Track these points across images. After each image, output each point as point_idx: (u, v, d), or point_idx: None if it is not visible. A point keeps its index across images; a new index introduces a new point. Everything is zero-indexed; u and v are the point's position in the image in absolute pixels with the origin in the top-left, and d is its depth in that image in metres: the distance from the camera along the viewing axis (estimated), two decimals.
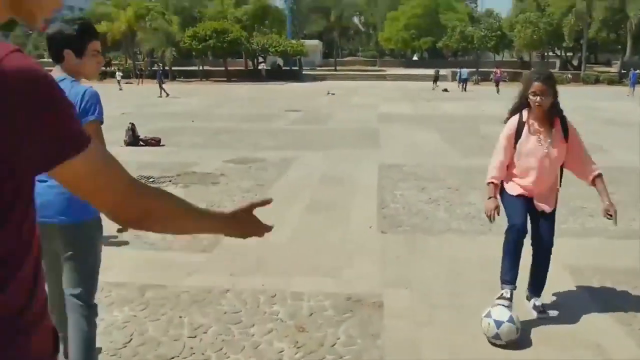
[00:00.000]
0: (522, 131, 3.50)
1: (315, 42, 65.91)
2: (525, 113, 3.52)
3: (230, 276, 4.30)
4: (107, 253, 4.75)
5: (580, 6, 43.34)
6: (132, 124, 11.06)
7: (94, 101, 2.49)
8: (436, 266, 4.56)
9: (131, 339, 3.35)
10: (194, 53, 47.27)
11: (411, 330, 3.47)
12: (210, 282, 4.18)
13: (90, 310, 2.63)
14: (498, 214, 3.43)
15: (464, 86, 32.91)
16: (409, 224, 5.74)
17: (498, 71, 34.06)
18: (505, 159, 3.55)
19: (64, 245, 2.56)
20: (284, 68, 49.02)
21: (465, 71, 34.21)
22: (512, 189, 3.57)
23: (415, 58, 72.70)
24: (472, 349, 3.25)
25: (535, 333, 3.43)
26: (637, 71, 33.37)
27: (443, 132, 13.16)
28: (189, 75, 47.39)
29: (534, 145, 3.47)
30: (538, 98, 3.35)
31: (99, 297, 3.82)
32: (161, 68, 35.31)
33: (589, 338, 3.37)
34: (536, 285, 3.69)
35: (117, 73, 36.81)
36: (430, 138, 12.26)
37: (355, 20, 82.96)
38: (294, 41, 50.19)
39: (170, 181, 7.72)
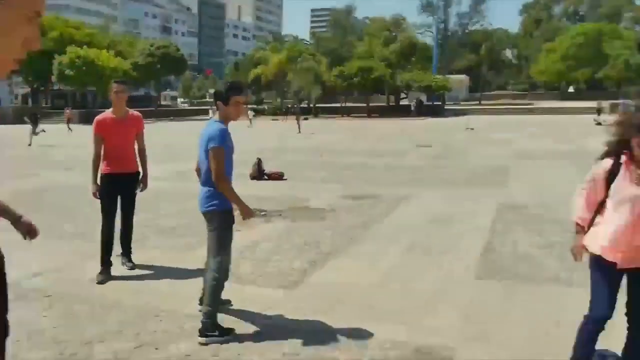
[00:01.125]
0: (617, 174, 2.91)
1: (462, 77, 64.65)
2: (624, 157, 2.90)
3: (303, 315, 4.21)
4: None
5: None
6: (259, 159, 11.62)
7: (217, 134, 3.79)
8: (527, 321, 4.04)
9: None
10: (337, 90, 48.95)
11: None
12: (282, 321, 4.12)
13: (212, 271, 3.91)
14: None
15: None
16: (511, 271, 5.20)
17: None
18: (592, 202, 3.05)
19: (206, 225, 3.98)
20: (426, 103, 48.63)
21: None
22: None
23: (570, 90, 67.86)
24: None
25: None
26: None
27: (583, 169, 11.88)
28: (331, 112, 49.11)
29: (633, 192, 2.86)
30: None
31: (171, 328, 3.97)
32: (298, 105, 36.80)
33: None
34: None
35: (249, 111, 35.70)
36: (566, 176, 11.16)
37: (508, 53, 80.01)
38: (438, 76, 49.74)
39: (280, 215, 7.91)
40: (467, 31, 70.58)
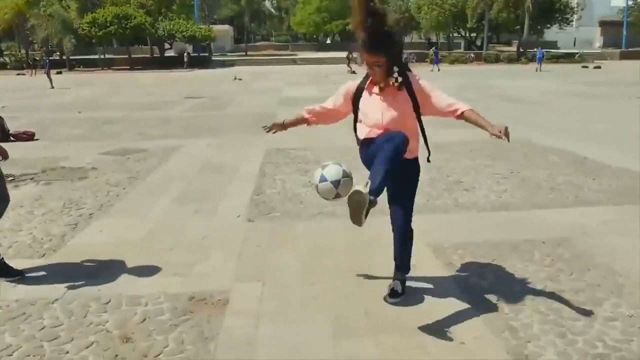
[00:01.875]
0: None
1: (226, 27, 64.47)
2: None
3: (65, 283, 3.81)
4: None
5: None
6: (0, 118, 10.05)
7: None
8: (298, 254, 4.29)
9: None
10: (94, 41, 44.62)
11: (251, 329, 3.16)
12: (37, 293, 3.68)
13: None
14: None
15: None
16: (280, 210, 5.45)
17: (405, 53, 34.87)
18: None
19: None
20: (192, 55, 47.42)
21: None
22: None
23: (328, 41, 72.94)
24: (315, 347, 2.99)
25: (382, 319, 3.23)
26: (544, 50, 35.75)
27: None
28: (89, 64, 44.83)
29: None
30: (371, 70, 3.16)
31: None
32: (47, 58, 32.53)
33: (438, 321, 3.21)
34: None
35: None
36: None
37: (267, 4, 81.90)
38: (202, 26, 48.64)
39: (32, 179, 7.00)
40: None
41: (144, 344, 3.02)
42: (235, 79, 27.60)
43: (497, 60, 43.45)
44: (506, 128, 2.98)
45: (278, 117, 13.42)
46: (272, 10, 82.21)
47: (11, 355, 2.94)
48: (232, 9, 69.56)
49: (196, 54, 47.72)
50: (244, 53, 57.33)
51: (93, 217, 5.37)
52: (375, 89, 3.24)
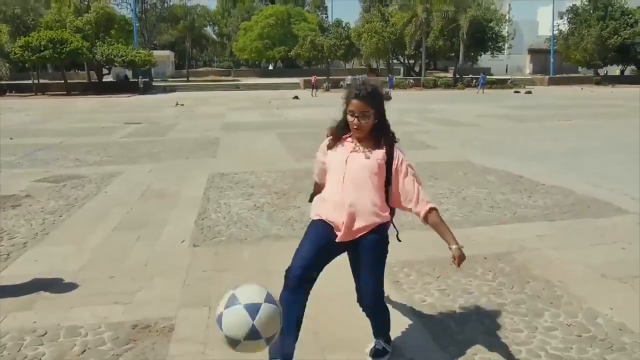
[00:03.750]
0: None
1: (167, 52, 63.79)
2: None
3: None
4: None
5: (420, 17, 46.59)
6: None
7: None
8: (246, 278, 4.22)
9: None
10: (27, 65, 43.01)
11: (199, 355, 3.08)
12: None
13: None
14: None
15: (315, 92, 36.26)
16: (226, 234, 5.37)
17: (313, 79, 39.52)
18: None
19: None
20: (132, 80, 46.53)
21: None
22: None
23: (270, 67, 73.42)
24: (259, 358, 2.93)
25: (333, 340, 3.22)
26: (485, 75, 38.76)
27: (284, 138, 13.05)
28: (23, 90, 43.08)
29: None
30: (356, 120, 2.67)
31: None
32: None
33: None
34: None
35: None
36: (269, 145, 12.06)
37: (209, 30, 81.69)
38: (142, 51, 47.86)
39: None
40: (166, 5, 69.60)
41: None
42: (177, 104, 27.23)
43: (435, 85, 44.93)
44: (460, 256, 2.66)
45: (221, 141, 13.35)
46: (214, 36, 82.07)
47: None
48: (172, 34, 68.97)
49: (135, 79, 46.82)
50: (185, 79, 56.76)
51: (27, 246, 5.11)
52: (349, 146, 2.76)
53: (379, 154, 2.71)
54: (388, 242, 2.78)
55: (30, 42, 40.60)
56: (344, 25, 60.12)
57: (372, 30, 50.73)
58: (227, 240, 5.19)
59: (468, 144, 11.95)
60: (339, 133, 2.82)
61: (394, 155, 2.74)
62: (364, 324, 2.99)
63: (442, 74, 56.55)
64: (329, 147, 2.84)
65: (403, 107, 23.84)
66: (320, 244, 2.72)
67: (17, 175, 8.72)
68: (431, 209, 2.72)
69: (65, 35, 42.08)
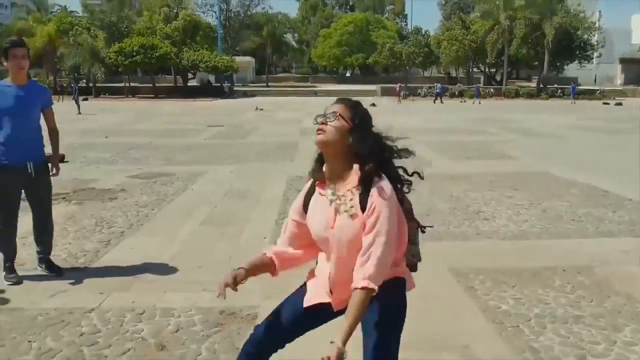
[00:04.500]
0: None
1: (248, 58, 65.73)
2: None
3: (100, 295, 3.99)
4: None
5: (502, 24, 45.45)
6: None
7: None
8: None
9: None
10: (120, 69, 45.84)
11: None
12: (74, 302, 3.86)
13: None
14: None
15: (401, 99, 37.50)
16: None
17: (397, 86, 40.16)
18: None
19: None
20: (214, 85, 48.42)
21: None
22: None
23: (347, 74, 73.92)
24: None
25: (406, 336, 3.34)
26: (576, 85, 38.53)
27: None
28: (115, 92, 45.94)
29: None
30: (322, 118, 2.05)
31: None
32: (75, 85, 33.31)
33: (460, 339, 3.31)
34: None
35: None
36: None
37: (289, 37, 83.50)
38: (225, 57, 49.74)
39: (64, 198, 7.24)
40: (249, 13, 71.92)
41: (178, 351, 3.17)
42: (257, 109, 28.09)
43: (516, 95, 43.61)
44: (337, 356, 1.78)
45: (299, 146, 13.64)
46: (294, 43, 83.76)
47: (53, 357, 3.10)
48: (254, 41, 71.03)
49: (218, 84, 48.68)
50: (265, 84, 58.31)
51: (124, 235, 5.58)
52: (327, 191, 2.05)
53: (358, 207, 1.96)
54: (404, 303, 2.19)
55: (124, 47, 43.31)
56: (423, 32, 59.64)
57: (452, 37, 49.96)
58: None
59: (550, 155, 11.61)
60: (316, 174, 2.11)
61: (369, 196, 1.92)
62: (434, 327, 3.08)
63: (524, 83, 54.74)
64: (305, 204, 2.16)
65: (483, 117, 23.39)
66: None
67: (113, 171, 9.42)
68: (364, 289, 1.88)
69: (155, 41, 44.53)
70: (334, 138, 1.98)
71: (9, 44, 4.11)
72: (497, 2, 47.37)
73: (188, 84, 48.68)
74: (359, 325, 1.96)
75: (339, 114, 2.00)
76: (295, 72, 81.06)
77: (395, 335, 2.11)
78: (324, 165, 2.07)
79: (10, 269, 4.28)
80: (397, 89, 39.34)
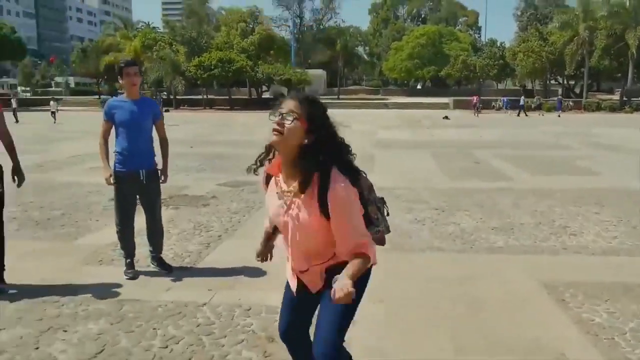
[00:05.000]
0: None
1: (320, 71, 66.81)
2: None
3: (208, 291, 4.37)
4: (85, 270, 4.89)
5: (582, 35, 43.88)
6: None
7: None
8: (414, 283, 4.63)
9: (103, 349, 3.42)
10: (198, 82, 47.96)
11: (379, 340, 3.53)
12: (187, 297, 4.26)
13: None
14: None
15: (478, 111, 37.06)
16: (391, 243, 5.79)
17: (475, 98, 39.42)
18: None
19: None
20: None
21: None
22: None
23: (418, 87, 73.49)
24: (438, 356, 3.30)
25: (498, 337, 3.48)
26: None
27: (438, 157, 13.28)
28: (194, 104, 48.09)
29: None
30: (279, 117, 2.06)
31: (77, 311, 3.94)
32: (160, 97, 35.12)
33: (554, 346, 3.41)
34: None
35: (51, 102, 31.80)
36: (424, 163, 12.38)
37: (360, 50, 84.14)
38: (298, 70, 50.92)
39: (162, 203, 7.81)
40: (321, 27, 73.20)
41: (283, 344, 3.46)
42: None
43: (597, 108, 41.86)
44: (347, 292, 1.92)
45: (376, 158, 13.80)
46: (365, 55, 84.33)
47: (177, 343, 3.48)
48: (325, 54, 72.16)
49: None
50: (336, 96, 59.05)
51: (222, 239, 6.01)
52: (279, 182, 2.23)
53: (312, 198, 2.08)
54: (365, 284, 2.39)
55: (203, 61, 45.33)
56: (498, 44, 58.48)
57: (528, 49, 48.74)
58: (392, 249, 5.62)
59: (635, 171, 11.18)
60: (264, 156, 2.27)
61: (328, 186, 2.03)
62: (527, 336, 3.18)
63: (605, 96, 52.33)
64: (266, 181, 2.35)
65: (563, 131, 22.73)
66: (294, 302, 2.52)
67: (203, 179, 10.01)
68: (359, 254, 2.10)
69: (232, 55, 46.31)
70: (291, 140, 2.04)
71: (123, 63, 4.59)
72: (577, 13, 45.81)
73: (262, 96, 50.13)
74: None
75: (296, 116, 2.02)
76: (365, 85, 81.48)
77: (352, 312, 2.32)
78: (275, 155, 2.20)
79: (130, 265, 4.78)
80: (474, 101, 38.70)
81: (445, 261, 5.20)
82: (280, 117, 2.04)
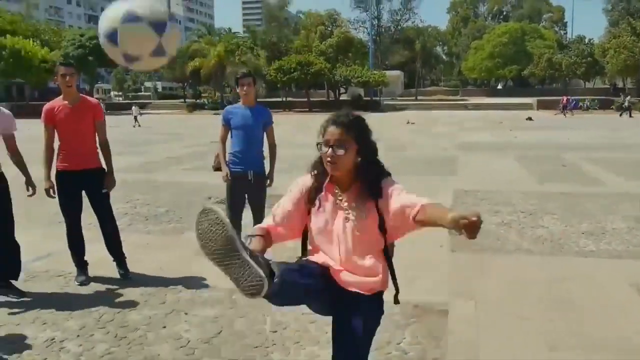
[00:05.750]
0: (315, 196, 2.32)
1: (397, 72, 66.58)
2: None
3: None
4: (196, 260, 5.40)
5: None
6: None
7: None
8: (503, 283, 4.78)
9: (221, 331, 3.86)
10: (278, 85, 49.27)
11: (473, 335, 3.74)
12: None
13: None
14: None
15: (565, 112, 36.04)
16: (479, 245, 5.95)
17: (564, 99, 38.07)
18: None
19: None
20: (365, 98, 49.88)
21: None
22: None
23: (499, 87, 71.45)
24: (532, 353, 3.47)
25: (591, 336, 3.59)
26: None
27: (522, 159, 13.09)
28: (272, 106, 49.20)
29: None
30: (330, 150, 2.17)
31: (193, 297, 4.42)
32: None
33: None
34: None
35: (133, 108, 33.99)
36: (508, 165, 12.26)
37: (438, 50, 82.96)
38: (375, 72, 51.09)
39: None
40: (399, 28, 72.82)
41: (386, 333, 3.75)
42: (408, 122, 28.58)
43: None
44: (473, 223, 1.89)
45: (459, 160, 13.82)
46: (443, 55, 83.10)
47: (285, 329, 3.86)
48: (403, 55, 71.76)
49: (368, 98, 50.04)
50: (414, 97, 58.66)
51: None
52: (332, 198, 2.28)
53: (371, 209, 2.22)
54: (380, 311, 2.44)
55: (283, 65, 46.53)
56: (586, 41, 55.80)
57: (620, 45, 46.20)
58: (481, 250, 5.77)
59: None
60: (319, 178, 2.28)
61: (382, 191, 2.21)
62: (621, 333, 3.28)
63: None
64: (309, 198, 2.31)
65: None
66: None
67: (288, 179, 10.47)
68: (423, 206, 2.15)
69: (311, 58, 47.19)
70: (346, 166, 2.19)
71: (239, 75, 5.14)
72: None
73: (340, 98, 50.70)
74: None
75: (345, 145, 2.15)
76: (444, 85, 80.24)
77: (369, 340, 2.32)
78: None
79: None
80: (563, 101, 37.17)
81: (534, 263, 5.30)
82: (330, 150, 2.16)
